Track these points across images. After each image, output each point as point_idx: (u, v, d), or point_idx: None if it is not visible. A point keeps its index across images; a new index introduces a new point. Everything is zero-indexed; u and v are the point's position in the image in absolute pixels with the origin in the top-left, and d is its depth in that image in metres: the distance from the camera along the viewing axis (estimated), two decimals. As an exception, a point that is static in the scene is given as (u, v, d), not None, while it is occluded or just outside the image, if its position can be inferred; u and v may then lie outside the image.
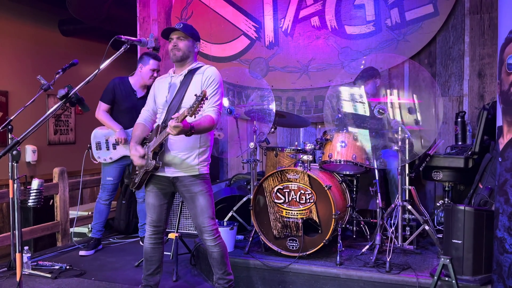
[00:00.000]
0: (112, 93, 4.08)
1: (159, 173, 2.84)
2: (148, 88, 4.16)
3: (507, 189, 2.50)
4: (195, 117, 2.48)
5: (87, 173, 6.02)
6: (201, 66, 2.88)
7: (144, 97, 4.12)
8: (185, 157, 2.79)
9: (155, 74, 4.09)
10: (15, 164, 2.26)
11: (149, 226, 2.95)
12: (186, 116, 2.42)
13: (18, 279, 2.30)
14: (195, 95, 2.41)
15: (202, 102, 2.39)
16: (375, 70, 4.08)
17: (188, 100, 2.75)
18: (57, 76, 2.59)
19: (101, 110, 4.09)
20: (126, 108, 4.10)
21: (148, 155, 2.77)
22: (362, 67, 4.02)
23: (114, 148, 4.10)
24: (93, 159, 4.19)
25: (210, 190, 2.88)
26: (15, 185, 2.27)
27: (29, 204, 3.22)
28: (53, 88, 2.52)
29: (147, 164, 2.77)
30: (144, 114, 3.03)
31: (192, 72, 2.84)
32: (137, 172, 2.88)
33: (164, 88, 2.90)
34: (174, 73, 2.93)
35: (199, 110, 2.44)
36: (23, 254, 3.61)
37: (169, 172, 2.82)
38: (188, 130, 2.49)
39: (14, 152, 2.23)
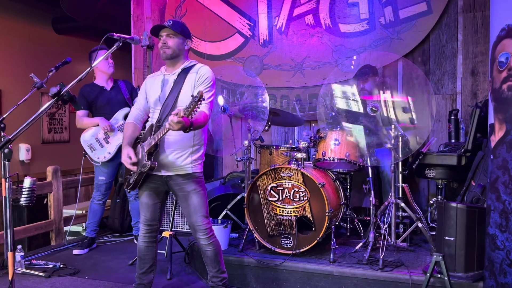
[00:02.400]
0: (83, 99, 4.11)
1: (152, 172, 2.83)
2: (114, 80, 4.22)
3: (499, 186, 2.52)
4: (191, 116, 2.48)
5: (83, 171, 6.01)
6: (195, 65, 2.87)
7: (114, 87, 4.19)
8: (178, 156, 2.78)
9: (110, 61, 4.15)
10: (6, 163, 2.25)
11: (142, 225, 2.94)
12: (183, 115, 2.41)
13: (10, 278, 2.29)
14: (192, 95, 2.40)
15: (199, 102, 2.39)
16: (373, 67, 4.09)
17: (183, 98, 2.75)
18: (50, 74, 2.58)
19: (79, 117, 4.14)
20: (102, 103, 4.14)
21: (143, 155, 2.76)
22: (352, 67, 4.02)
23: (107, 142, 4.11)
24: (93, 161, 4.16)
25: (203, 188, 2.87)
26: (7, 183, 2.26)
27: (21, 202, 3.21)
28: (46, 86, 2.51)
29: (142, 164, 2.75)
30: (135, 112, 2.99)
31: (185, 71, 2.83)
32: (131, 172, 2.87)
33: (157, 87, 2.87)
34: (166, 71, 2.91)
35: (196, 111, 2.44)
36: (17, 253, 3.60)
37: (162, 171, 2.81)
38: (188, 126, 2.48)
39: (6, 151, 2.22)
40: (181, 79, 2.80)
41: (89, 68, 2.49)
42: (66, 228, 4.69)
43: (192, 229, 2.88)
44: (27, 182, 3.28)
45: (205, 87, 2.75)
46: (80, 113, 4.12)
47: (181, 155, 2.78)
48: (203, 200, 2.85)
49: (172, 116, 2.40)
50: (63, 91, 2.37)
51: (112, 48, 2.60)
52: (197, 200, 2.82)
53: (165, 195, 2.98)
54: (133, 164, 2.75)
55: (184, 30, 2.84)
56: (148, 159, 2.72)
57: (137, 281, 2.99)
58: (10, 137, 2.22)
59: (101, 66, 4.14)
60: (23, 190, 3.16)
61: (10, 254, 2.30)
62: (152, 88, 2.90)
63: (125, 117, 4.11)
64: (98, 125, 4.07)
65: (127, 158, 2.75)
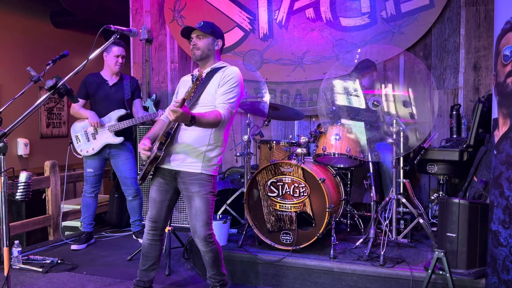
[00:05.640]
0: (84, 88, 4.14)
1: (163, 166, 2.78)
2: (120, 76, 4.19)
3: (502, 182, 2.48)
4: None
5: (80, 166, 5.98)
6: (225, 66, 2.82)
7: (116, 84, 4.14)
8: (190, 152, 2.71)
9: (119, 60, 4.10)
10: (2, 157, 2.20)
11: (147, 221, 2.89)
12: (184, 100, 2.35)
13: (6, 274, 2.25)
14: (192, 75, 2.36)
15: (197, 82, 2.33)
16: (372, 63, 4.05)
17: (206, 97, 2.72)
18: (47, 67, 2.53)
19: (75, 105, 4.13)
20: (100, 98, 4.13)
21: (156, 145, 2.73)
22: (356, 60, 3.98)
23: (94, 138, 4.10)
24: (76, 153, 4.20)
25: (209, 193, 2.76)
26: (3, 178, 2.22)
27: (16, 197, 3.16)
28: (43, 80, 2.46)
29: (151, 153, 2.73)
30: (167, 111, 2.97)
31: (214, 71, 2.78)
32: (144, 163, 2.84)
33: (185, 86, 2.86)
34: (198, 71, 2.89)
35: (195, 92, 2.37)
36: (14, 249, 3.57)
37: (172, 165, 2.75)
38: (188, 119, 2.40)
39: (1, 145, 2.18)
40: (208, 79, 2.75)
41: (86, 61, 2.43)
42: (64, 223, 4.66)
43: (192, 231, 2.79)
44: (22, 176, 3.22)
45: (228, 87, 2.69)
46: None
47: (193, 151, 2.71)
48: (206, 206, 2.73)
49: (171, 105, 2.35)
50: (59, 84, 2.31)
51: (109, 40, 2.55)
52: (200, 204, 2.72)
53: (175, 195, 2.88)
54: (147, 150, 2.71)
55: (214, 31, 2.81)
56: (158, 149, 2.69)
57: (138, 277, 2.95)
58: (5, 131, 2.17)
59: (109, 60, 4.11)
60: (19, 185, 3.11)
61: (5, 249, 2.26)
62: (182, 87, 2.91)
63: (119, 119, 4.09)
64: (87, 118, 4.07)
65: (142, 145, 2.72)
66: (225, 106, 2.66)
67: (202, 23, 2.80)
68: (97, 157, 4.15)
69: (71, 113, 4.21)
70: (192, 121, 2.43)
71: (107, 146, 4.11)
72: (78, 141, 4.14)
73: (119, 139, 4.08)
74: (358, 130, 3.50)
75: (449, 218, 2.88)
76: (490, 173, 2.66)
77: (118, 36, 2.55)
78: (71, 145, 4.19)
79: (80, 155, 4.17)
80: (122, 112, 4.11)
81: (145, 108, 4.90)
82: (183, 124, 2.72)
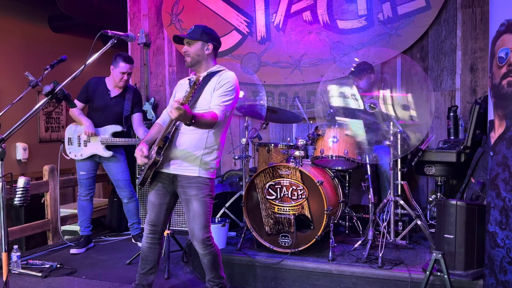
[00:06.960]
0: (86, 92, 4.13)
1: (161, 170, 2.78)
2: (124, 88, 4.16)
3: (499, 183, 2.49)
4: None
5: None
6: (221, 70, 2.82)
7: (118, 97, 4.13)
8: (188, 155, 2.72)
9: (125, 77, 4.07)
10: (0, 162, 2.21)
11: (146, 225, 2.89)
12: (183, 102, 2.34)
13: (5, 279, 2.26)
14: (188, 79, 2.35)
15: (195, 87, 2.34)
16: (370, 65, 4.06)
17: (202, 101, 2.72)
18: (45, 72, 2.54)
19: (74, 109, 4.09)
20: (98, 106, 4.11)
21: (154, 150, 2.73)
22: (353, 68, 4.00)
23: (85, 145, 4.10)
24: (64, 154, 4.19)
25: (207, 196, 2.76)
26: (1, 183, 2.22)
27: (15, 202, 3.17)
28: (41, 85, 2.47)
29: (149, 158, 2.72)
30: (164, 115, 2.97)
31: (211, 75, 2.78)
32: (143, 167, 2.84)
33: (183, 90, 2.85)
34: (194, 75, 2.89)
35: (193, 97, 2.37)
36: (13, 253, 3.57)
37: (170, 169, 2.76)
38: (188, 118, 2.40)
39: (-1, 150, 2.19)
40: (204, 83, 2.74)
41: (83, 66, 2.44)
42: (63, 227, 4.66)
43: (190, 234, 2.80)
44: (21, 182, 3.24)
45: (224, 90, 2.69)
46: (76, 103, 4.10)
47: (190, 155, 2.72)
48: (204, 209, 2.74)
49: (173, 102, 2.34)
50: (56, 89, 2.32)
51: (106, 45, 2.55)
52: (198, 207, 2.72)
53: (173, 198, 2.89)
54: (145, 157, 2.68)
55: (203, 35, 2.78)
56: (157, 153, 2.69)
57: (137, 281, 2.95)
58: (3, 136, 2.18)
59: (115, 75, 4.07)
60: (17, 190, 3.12)
61: (4, 254, 2.26)
62: (179, 90, 2.90)
63: (114, 134, 4.09)
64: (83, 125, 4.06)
65: (139, 151, 2.70)
66: (220, 108, 2.66)
67: (192, 28, 2.79)
68: (88, 160, 4.15)
69: (70, 115, 4.19)
70: (193, 120, 2.43)
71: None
72: (70, 143, 4.15)
73: (108, 153, 4.08)
74: (355, 129, 3.50)
75: (447, 219, 2.88)
76: (487, 174, 2.67)
77: (115, 41, 2.56)
78: (62, 144, 4.19)
79: (68, 157, 4.16)
80: (117, 128, 4.11)
81: (144, 112, 4.91)
82: (181, 127, 2.73)
